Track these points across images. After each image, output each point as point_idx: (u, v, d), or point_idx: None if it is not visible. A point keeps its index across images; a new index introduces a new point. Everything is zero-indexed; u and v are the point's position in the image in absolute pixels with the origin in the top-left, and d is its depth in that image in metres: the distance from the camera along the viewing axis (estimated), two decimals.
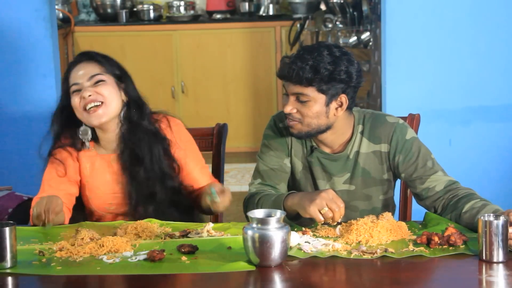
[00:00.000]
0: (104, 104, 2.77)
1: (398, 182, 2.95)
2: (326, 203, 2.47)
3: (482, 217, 2.27)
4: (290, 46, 6.45)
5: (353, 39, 5.83)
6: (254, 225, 2.26)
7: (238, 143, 6.65)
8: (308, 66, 2.61)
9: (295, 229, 2.53)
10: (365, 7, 5.65)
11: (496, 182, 4.08)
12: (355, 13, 5.82)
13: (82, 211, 2.91)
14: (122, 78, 2.85)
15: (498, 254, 2.25)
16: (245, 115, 6.79)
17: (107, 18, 6.92)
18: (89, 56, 2.84)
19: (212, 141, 3.17)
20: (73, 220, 2.80)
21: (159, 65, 6.73)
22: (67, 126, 2.85)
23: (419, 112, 3.13)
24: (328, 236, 2.50)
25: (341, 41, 5.86)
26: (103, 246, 2.40)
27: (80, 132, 2.83)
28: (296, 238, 2.42)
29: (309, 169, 2.81)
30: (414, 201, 2.87)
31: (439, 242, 2.37)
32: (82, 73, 2.79)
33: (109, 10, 6.92)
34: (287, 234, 2.26)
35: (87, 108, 2.76)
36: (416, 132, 3.03)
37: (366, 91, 5.60)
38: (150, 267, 2.29)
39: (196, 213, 2.96)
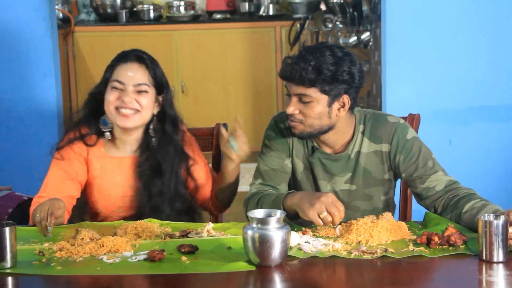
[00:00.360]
0: (138, 113, 2.78)
1: (398, 182, 2.96)
2: (326, 207, 2.46)
3: (482, 217, 2.27)
4: (290, 46, 6.45)
5: (353, 39, 5.83)
6: (254, 225, 2.26)
7: None
8: (310, 67, 2.60)
9: (295, 229, 2.53)
10: (365, 7, 5.65)
11: (496, 182, 4.08)
12: (355, 13, 5.82)
13: (84, 211, 2.91)
14: (163, 91, 2.85)
15: (498, 254, 2.25)
16: (245, 115, 6.79)
17: (107, 18, 6.92)
18: (142, 60, 2.81)
19: (212, 141, 3.18)
20: (77, 219, 2.80)
21: None
22: (91, 115, 2.84)
23: (419, 112, 3.13)
24: (328, 236, 2.50)
25: (341, 41, 5.86)
26: (103, 246, 2.40)
27: (103, 122, 2.83)
28: (296, 238, 2.42)
29: (310, 170, 2.81)
30: (414, 201, 2.87)
31: (439, 242, 2.37)
32: (131, 76, 2.77)
33: (109, 10, 6.92)
34: (287, 234, 2.26)
35: (121, 110, 2.76)
36: (416, 132, 3.02)
37: (366, 91, 5.60)
38: (150, 267, 2.29)
39: (197, 214, 2.97)
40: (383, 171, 2.79)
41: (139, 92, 2.77)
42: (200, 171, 2.92)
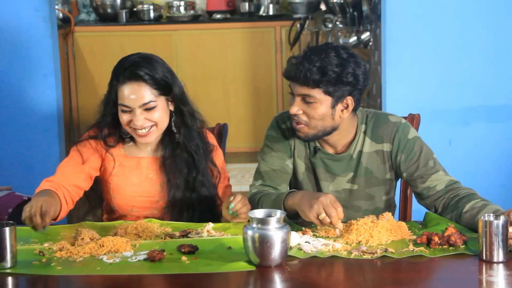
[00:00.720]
0: (154, 127, 2.77)
1: (398, 182, 2.96)
2: (324, 209, 2.46)
3: (482, 217, 2.27)
4: (290, 46, 6.45)
5: (353, 39, 5.83)
6: (254, 225, 2.26)
7: (238, 143, 6.65)
8: (315, 68, 2.60)
9: (295, 229, 2.53)
10: (365, 7, 5.65)
11: (496, 182, 4.08)
12: (355, 13, 5.82)
13: (98, 206, 2.94)
14: (170, 89, 2.79)
15: (498, 254, 2.25)
16: (245, 115, 6.79)
17: (107, 18, 6.92)
18: (139, 78, 2.73)
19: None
20: (91, 215, 2.82)
21: None
22: (114, 121, 2.82)
23: (419, 112, 3.13)
24: (328, 236, 2.50)
25: (341, 41, 5.86)
26: (103, 246, 2.40)
27: (124, 131, 2.82)
28: (296, 238, 2.42)
29: (312, 170, 2.81)
30: (414, 201, 2.87)
31: (439, 242, 2.37)
32: (134, 98, 2.72)
33: (109, 10, 6.92)
34: (287, 234, 2.26)
35: (137, 131, 2.76)
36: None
37: (366, 91, 5.59)
38: (150, 267, 2.29)
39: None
40: (385, 170, 2.79)
41: (148, 109, 2.75)
42: (220, 158, 2.94)
